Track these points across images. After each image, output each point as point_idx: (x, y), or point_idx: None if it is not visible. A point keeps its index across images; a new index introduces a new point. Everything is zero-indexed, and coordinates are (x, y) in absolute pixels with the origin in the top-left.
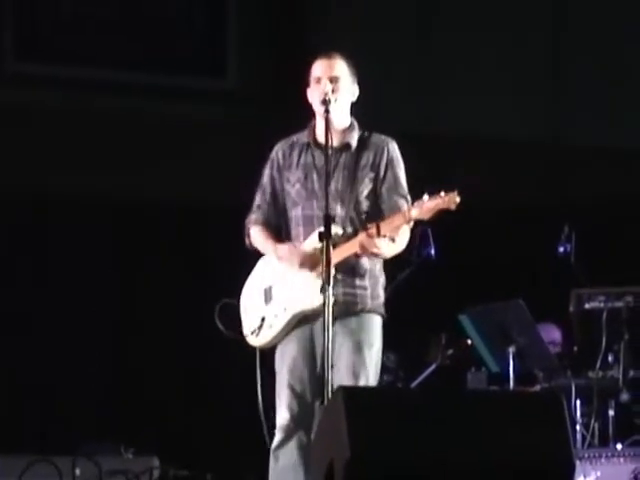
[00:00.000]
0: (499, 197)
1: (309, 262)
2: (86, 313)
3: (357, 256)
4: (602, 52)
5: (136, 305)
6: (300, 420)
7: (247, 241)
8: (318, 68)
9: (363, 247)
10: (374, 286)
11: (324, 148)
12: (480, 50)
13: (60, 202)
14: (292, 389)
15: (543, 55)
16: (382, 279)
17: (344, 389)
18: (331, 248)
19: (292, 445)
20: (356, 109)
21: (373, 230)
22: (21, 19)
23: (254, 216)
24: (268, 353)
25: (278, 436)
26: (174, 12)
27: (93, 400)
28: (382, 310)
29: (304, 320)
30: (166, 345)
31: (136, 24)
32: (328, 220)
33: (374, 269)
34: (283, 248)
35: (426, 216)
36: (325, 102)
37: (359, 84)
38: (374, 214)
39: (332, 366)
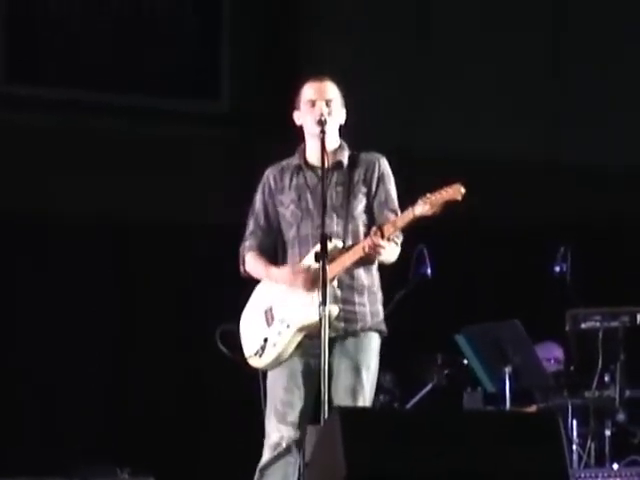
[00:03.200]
0: (495, 216)
1: (309, 280)
2: (84, 332)
3: (360, 263)
4: (602, 52)
5: (135, 325)
6: (291, 440)
7: (242, 269)
8: (311, 91)
9: (369, 247)
10: (373, 303)
11: (320, 168)
12: (479, 52)
13: (58, 221)
14: (285, 409)
15: (543, 55)
16: (380, 295)
17: (340, 409)
18: (334, 259)
19: (281, 464)
20: (355, 114)
21: (377, 233)
22: (13, 41)
23: (248, 243)
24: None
25: (267, 455)
26: (167, 34)
27: (89, 420)
28: (382, 327)
29: (307, 337)
30: (163, 364)
31: (130, 46)
32: (324, 239)
33: (372, 285)
34: (281, 271)
35: (431, 211)
36: (321, 123)
37: (351, 97)
38: (368, 229)
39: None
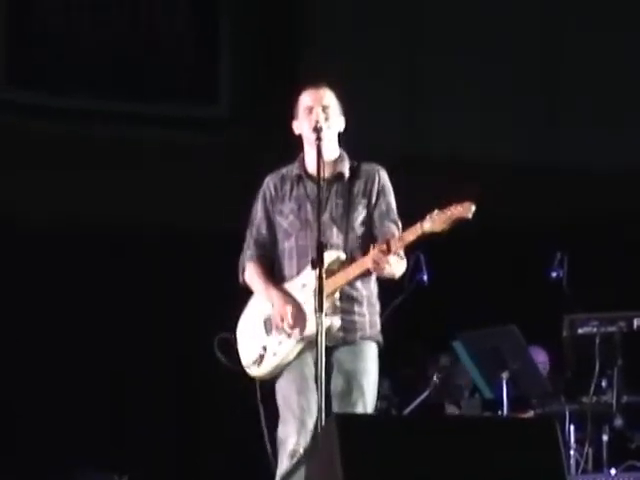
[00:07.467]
0: (492, 221)
1: (305, 319)
2: (80, 343)
3: (362, 275)
4: (601, 51)
5: (135, 334)
6: (307, 446)
7: (241, 278)
8: (308, 98)
9: (376, 262)
10: (372, 313)
11: (316, 177)
12: (474, 66)
13: (55, 227)
14: (303, 415)
15: (540, 65)
16: (378, 307)
17: (337, 416)
18: (336, 272)
19: (302, 473)
20: (353, 127)
21: (384, 246)
22: (13, 47)
23: (249, 252)
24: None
25: (286, 462)
26: (166, 39)
27: (87, 428)
28: (380, 338)
29: (307, 347)
30: (160, 373)
31: (129, 51)
32: (321, 248)
33: (371, 296)
34: (274, 295)
35: (440, 228)
36: (317, 130)
37: (350, 107)
38: (368, 240)
39: (326, 395)
